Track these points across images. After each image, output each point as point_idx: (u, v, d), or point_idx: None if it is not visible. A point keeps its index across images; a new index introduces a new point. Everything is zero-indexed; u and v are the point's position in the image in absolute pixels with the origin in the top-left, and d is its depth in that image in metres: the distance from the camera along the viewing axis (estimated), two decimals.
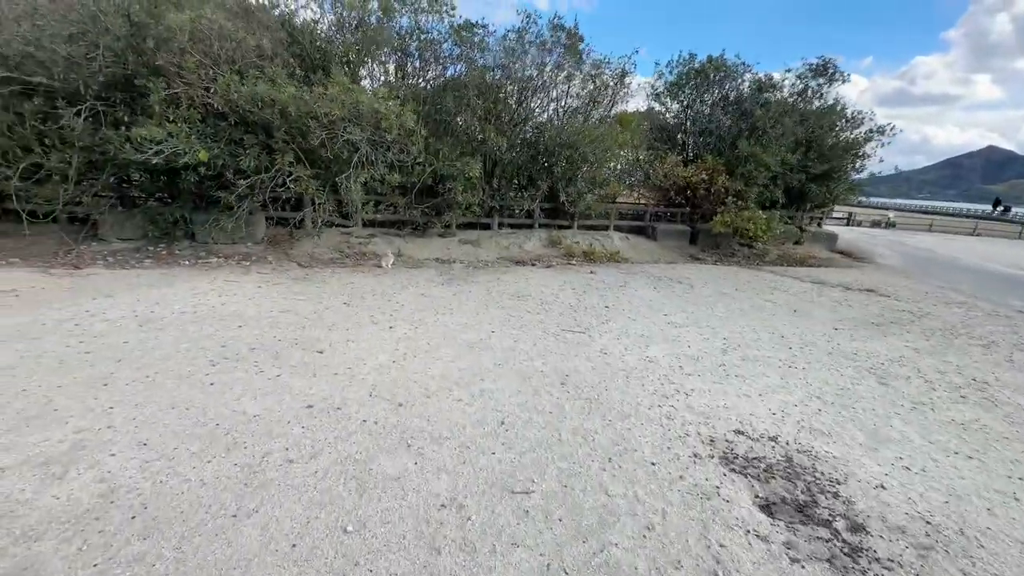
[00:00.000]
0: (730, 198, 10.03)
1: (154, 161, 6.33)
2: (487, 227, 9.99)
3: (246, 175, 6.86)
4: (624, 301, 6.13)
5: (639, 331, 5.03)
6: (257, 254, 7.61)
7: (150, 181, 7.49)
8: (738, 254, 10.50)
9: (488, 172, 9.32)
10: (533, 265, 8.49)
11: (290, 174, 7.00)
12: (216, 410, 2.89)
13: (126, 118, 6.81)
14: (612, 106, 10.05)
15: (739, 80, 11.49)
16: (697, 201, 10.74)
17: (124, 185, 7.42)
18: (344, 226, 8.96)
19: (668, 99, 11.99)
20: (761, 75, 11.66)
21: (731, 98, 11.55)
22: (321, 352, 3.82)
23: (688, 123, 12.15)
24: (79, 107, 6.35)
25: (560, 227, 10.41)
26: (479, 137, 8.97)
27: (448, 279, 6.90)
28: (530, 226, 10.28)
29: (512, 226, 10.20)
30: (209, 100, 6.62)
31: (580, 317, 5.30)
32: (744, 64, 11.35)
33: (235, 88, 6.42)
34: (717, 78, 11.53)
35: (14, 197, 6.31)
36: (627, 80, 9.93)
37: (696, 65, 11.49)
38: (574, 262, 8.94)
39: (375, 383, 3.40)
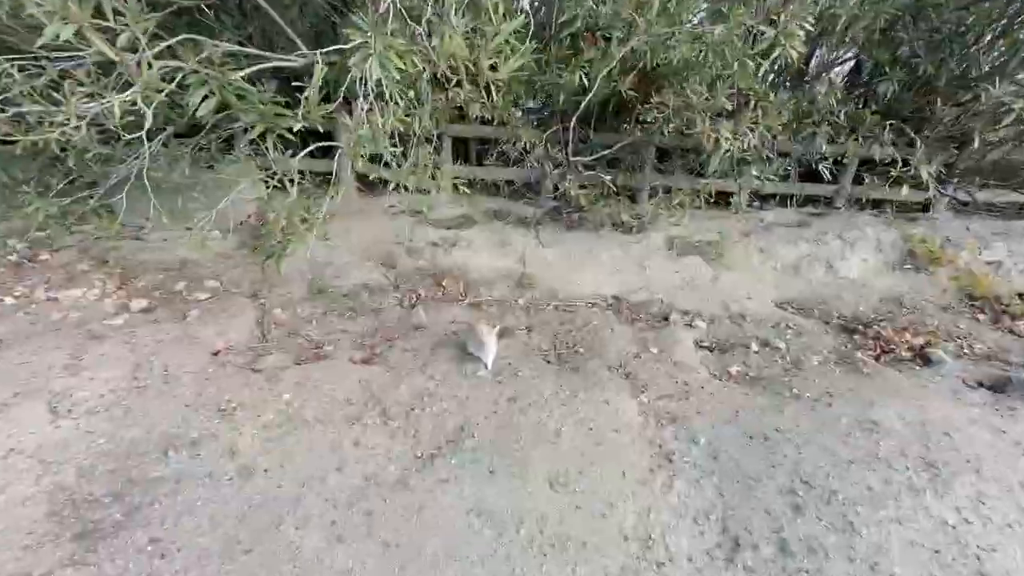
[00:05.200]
0: None
1: None
2: (719, 199, 4.28)
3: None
4: None
5: None
6: (169, 291, 3.18)
7: None
8: None
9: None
10: (915, 362, 2.71)
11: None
12: None
13: None
14: None
15: None
16: None
17: None
18: (416, 190, 4.11)
19: None
20: None
21: None
22: None
23: None
24: None
25: (899, 208, 4.17)
26: None
27: None
28: (826, 200, 4.25)
29: (772, 200, 4.27)
30: None
31: None
32: None
33: None
34: None
35: None
36: None
37: None
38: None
39: None
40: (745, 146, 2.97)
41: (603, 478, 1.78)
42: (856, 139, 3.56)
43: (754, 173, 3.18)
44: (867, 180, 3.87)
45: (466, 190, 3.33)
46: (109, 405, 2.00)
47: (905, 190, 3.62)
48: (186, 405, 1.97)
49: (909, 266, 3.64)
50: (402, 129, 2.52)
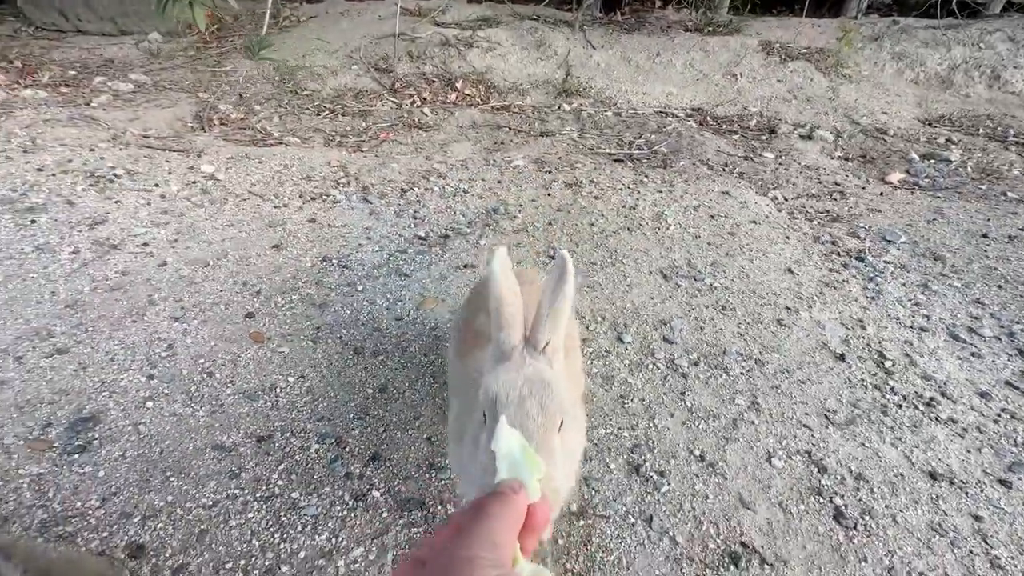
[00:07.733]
0: None
1: None
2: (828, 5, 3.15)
3: None
4: None
5: None
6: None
7: None
8: None
9: None
10: None
11: None
12: None
13: None
14: None
15: None
16: None
17: None
18: None
19: None
20: None
21: None
22: None
23: None
24: None
25: None
26: None
27: None
28: (974, 7, 3.06)
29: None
30: None
31: None
32: None
33: None
34: None
35: None
36: None
37: None
38: None
39: None
40: None
41: (754, 272, 1.02)
42: None
43: None
44: None
45: None
46: None
47: None
48: (39, 169, 1.20)
49: None
50: None
